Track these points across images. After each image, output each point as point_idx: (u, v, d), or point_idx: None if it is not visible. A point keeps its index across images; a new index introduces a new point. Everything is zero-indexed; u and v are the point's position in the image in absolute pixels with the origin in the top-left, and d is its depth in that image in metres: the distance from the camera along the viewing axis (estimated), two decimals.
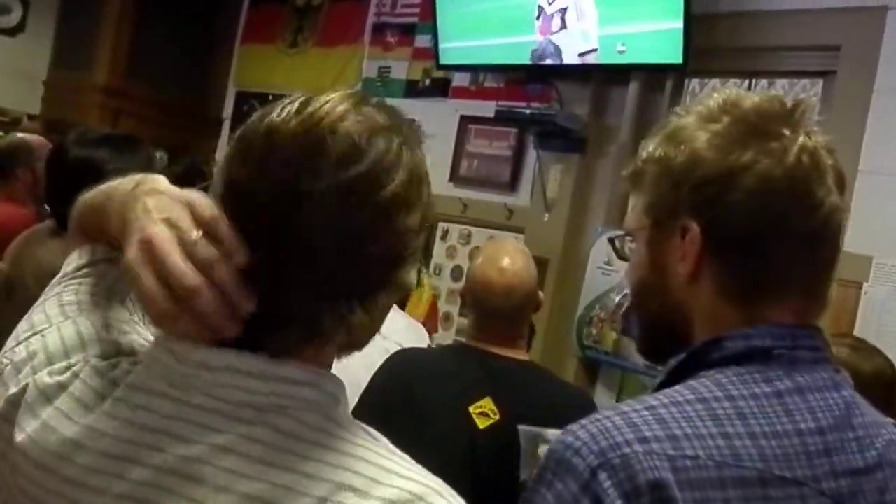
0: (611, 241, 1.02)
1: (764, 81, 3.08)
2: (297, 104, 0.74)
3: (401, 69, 4.17)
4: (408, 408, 1.76)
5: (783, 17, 2.91)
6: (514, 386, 1.85)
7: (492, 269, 1.93)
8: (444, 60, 3.75)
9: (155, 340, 0.77)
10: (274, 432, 0.71)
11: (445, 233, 3.84)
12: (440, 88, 3.98)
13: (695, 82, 3.30)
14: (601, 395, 3.24)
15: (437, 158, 3.87)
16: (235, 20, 5.07)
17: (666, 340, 0.89)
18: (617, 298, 3.09)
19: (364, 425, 0.77)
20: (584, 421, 0.77)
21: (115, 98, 4.63)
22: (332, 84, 4.45)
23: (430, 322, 3.62)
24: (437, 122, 3.94)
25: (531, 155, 3.56)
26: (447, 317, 3.77)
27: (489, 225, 3.68)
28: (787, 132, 0.83)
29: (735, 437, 0.77)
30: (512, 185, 3.65)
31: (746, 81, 3.14)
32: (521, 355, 1.96)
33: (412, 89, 4.11)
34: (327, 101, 0.74)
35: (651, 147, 0.89)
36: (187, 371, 0.73)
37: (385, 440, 0.76)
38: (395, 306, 0.90)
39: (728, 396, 0.79)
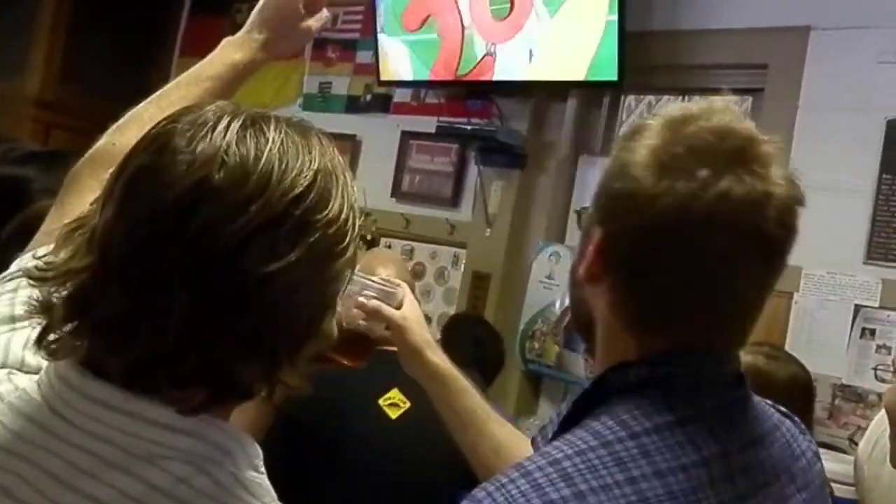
0: (577, 212, 1.01)
1: (697, 97, 3.17)
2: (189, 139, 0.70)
3: (342, 85, 4.17)
4: (319, 417, 1.78)
5: (713, 36, 2.99)
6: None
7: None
8: (384, 76, 3.76)
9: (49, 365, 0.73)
10: (142, 484, 0.67)
11: (388, 248, 3.84)
12: (381, 104, 3.99)
13: (631, 98, 3.38)
14: (545, 408, 3.28)
15: (379, 174, 3.89)
16: (175, 31, 5.02)
17: (583, 330, 0.91)
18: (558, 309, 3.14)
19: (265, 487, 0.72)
20: (490, 488, 0.75)
21: (47, 110, 4.50)
22: (271, 100, 4.42)
23: None
24: (379, 137, 3.96)
25: (472, 170, 3.59)
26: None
27: (431, 240, 3.69)
28: (710, 172, 0.79)
29: (641, 480, 0.76)
30: (454, 200, 3.67)
31: (680, 97, 3.23)
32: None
33: (353, 105, 4.11)
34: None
35: (616, 141, 0.89)
36: (70, 399, 0.70)
37: None
38: None
39: (631, 434, 0.78)
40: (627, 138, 0.85)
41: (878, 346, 2.54)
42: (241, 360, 0.69)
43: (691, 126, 0.81)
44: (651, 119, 0.85)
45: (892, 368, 1.44)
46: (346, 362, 1.32)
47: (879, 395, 2.36)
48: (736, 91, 3.03)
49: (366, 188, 3.92)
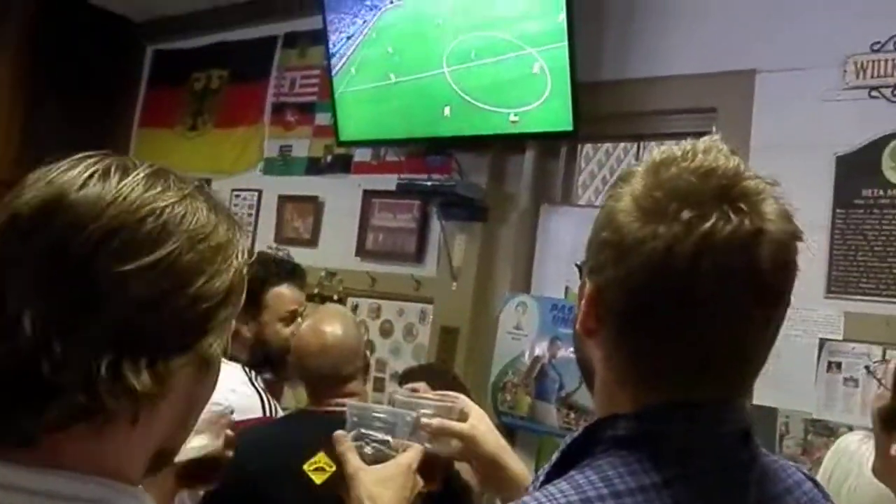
0: (577, 266, 0.97)
1: (652, 143, 3.23)
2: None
3: (302, 147, 4.20)
4: (247, 487, 1.75)
5: (662, 83, 3.06)
6: None
7: (307, 334, 2.01)
8: (343, 137, 3.79)
9: None
10: None
11: (355, 307, 3.82)
12: (342, 164, 4.02)
13: (588, 147, 3.43)
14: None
15: (343, 234, 3.89)
16: (133, 103, 5.03)
17: (589, 382, 0.88)
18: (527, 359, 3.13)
19: None
20: None
21: (4, 190, 4.46)
22: (232, 165, 4.44)
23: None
24: (341, 197, 3.98)
25: (435, 225, 3.61)
26: None
27: (398, 297, 3.69)
28: (693, 214, 0.76)
29: None
30: (418, 256, 3.68)
31: (635, 145, 3.29)
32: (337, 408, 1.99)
33: (314, 166, 4.13)
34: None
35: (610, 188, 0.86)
36: None
37: None
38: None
39: (613, 493, 0.74)
40: (614, 186, 0.83)
41: (846, 379, 2.56)
42: (99, 366, 0.67)
43: (673, 168, 0.79)
44: (638, 165, 0.83)
45: (879, 375, 1.41)
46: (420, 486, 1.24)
47: (850, 428, 2.37)
48: (688, 135, 3.09)
49: (330, 248, 3.97)
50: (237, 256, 0.77)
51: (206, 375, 0.76)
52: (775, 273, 0.77)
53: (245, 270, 0.78)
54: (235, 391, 2.05)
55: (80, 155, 0.75)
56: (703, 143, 0.81)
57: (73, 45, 4.74)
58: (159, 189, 0.73)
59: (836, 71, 2.70)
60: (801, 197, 2.88)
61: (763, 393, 2.65)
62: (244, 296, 0.79)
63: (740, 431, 0.81)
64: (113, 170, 0.73)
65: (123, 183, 0.72)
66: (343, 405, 1.63)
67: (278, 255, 3.17)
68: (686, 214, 0.75)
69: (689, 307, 0.76)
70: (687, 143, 0.82)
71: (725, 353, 0.78)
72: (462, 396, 1.35)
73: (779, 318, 0.81)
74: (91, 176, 0.72)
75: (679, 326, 0.77)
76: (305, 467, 1.79)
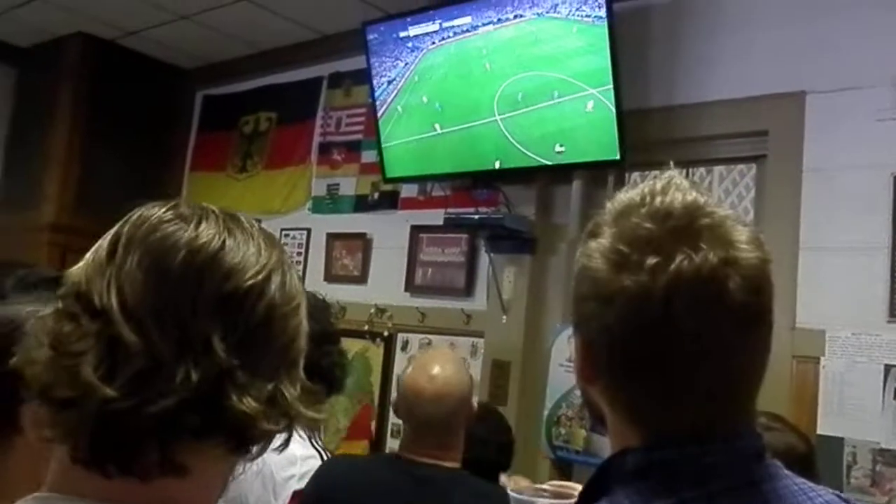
0: None
1: (702, 169, 3.19)
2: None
3: (349, 185, 4.24)
4: None
5: (711, 108, 3.03)
6: (438, 494, 1.84)
7: (422, 376, 1.94)
8: (390, 173, 3.82)
9: None
10: None
11: (405, 343, 3.82)
12: (390, 201, 4.04)
13: (635, 175, 3.40)
14: None
15: (392, 269, 3.90)
16: (184, 148, 5.15)
17: (600, 424, 0.91)
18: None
19: None
20: None
21: (62, 234, 4.59)
22: (281, 205, 4.50)
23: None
24: (389, 234, 4.00)
25: (483, 259, 3.60)
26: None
27: (448, 332, 3.67)
28: (657, 260, 0.79)
29: None
30: (467, 290, 3.67)
31: (684, 170, 3.25)
32: (449, 463, 1.94)
33: (362, 203, 4.16)
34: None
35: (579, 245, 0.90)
36: None
37: None
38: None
39: None
40: (584, 242, 0.87)
41: None
42: (273, 394, 0.74)
43: (632, 217, 0.82)
44: (602, 215, 0.87)
45: None
46: None
47: None
48: (739, 159, 3.06)
49: (379, 285, 3.98)
50: (299, 285, 0.85)
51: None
52: (750, 299, 0.80)
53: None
54: (297, 457, 1.99)
55: (183, 208, 0.81)
56: (660, 182, 0.84)
57: (127, 93, 4.89)
58: (268, 241, 0.82)
59: (888, 90, 2.64)
60: (859, 219, 2.82)
61: (828, 422, 2.57)
62: None
63: (752, 453, 0.83)
64: (238, 232, 0.79)
65: (258, 242, 0.79)
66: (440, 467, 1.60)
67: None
68: (651, 261, 0.78)
69: (672, 348, 0.79)
70: (645, 185, 0.85)
71: (719, 383, 0.81)
72: (576, 486, 1.33)
73: (765, 339, 0.84)
74: (221, 237, 0.77)
75: (667, 366, 0.80)
76: None
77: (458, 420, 1.96)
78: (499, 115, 3.33)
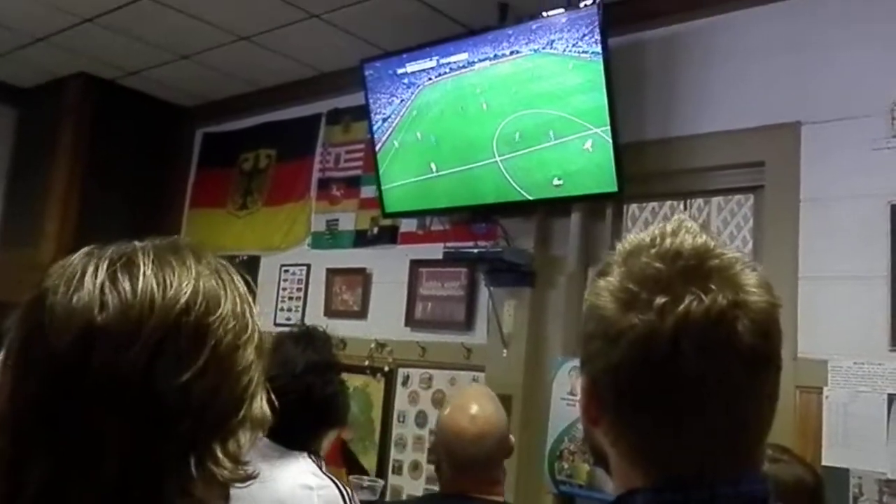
0: None
1: (700, 200, 3.21)
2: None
3: (348, 220, 4.25)
4: None
5: (707, 139, 3.05)
6: None
7: (462, 417, 1.93)
8: (389, 208, 3.83)
9: None
10: None
11: (406, 378, 3.81)
12: (389, 235, 4.05)
13: (634, 207, 3.41)
14: None
15: (391, 304, 3.90)
16: (184, 185, 5.17)
17: (603, 464, 0.90)
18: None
19: None
20: None
21: None
22: (281, 241, 4.51)
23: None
24: (389, 268, 4.00)
25: (483, 292, 3.60)
26: (415, 465, 3.68)
27: (449, 366, 3.66)
28: (665, 299, 0.79)
29: None
30: (468, 324, 3.66)
31: (682, 202, 3.26)
32: (497, 497, 1.94)
33: (361, 238, 4.17)
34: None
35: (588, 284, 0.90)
36: None
37: None
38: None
39: None
40: (594, 280, 0.87)
41: None
42: (176, 469, 0.71)
43: (642, 257, 0.83)
44: (613, 255, 0.87)
45: None
46: None
47: None
48: (737, 190, 3.08)
49: (379, 319, 3.97)
50: (252, 315, 0.80)
51: (261, 430, 0.81)
52: (759, 342, 0.80)
53: (260, 322, 0.81)
54: (312, 488, 1.98)
55: (74, 260, 0.77)
56: (671, 224, 0.85)
57: (127, 131, 4.93)
58: (174, 282, 0.75)
59: (884, 119, 2.66)
60: (857, 248, 2.82)
61: (833, 453, 2.55)
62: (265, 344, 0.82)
63: (759, 497, 0.82)
64: (119, 273, 0.74)
65: (139, 289, 0.73)
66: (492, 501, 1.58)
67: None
68: (660, 300, 0.79)
69: (678, 388, 0.79)
70: (656, 228, 0.86)
71: (726, 426, 0.80)
72: None
73: (773, 382, 0.83)
74: (102, 290, 0.73)
75: (673, 407, 0.80)
76: None
77: (499, 458, 1.97)
78: (498, 156, 3.34)
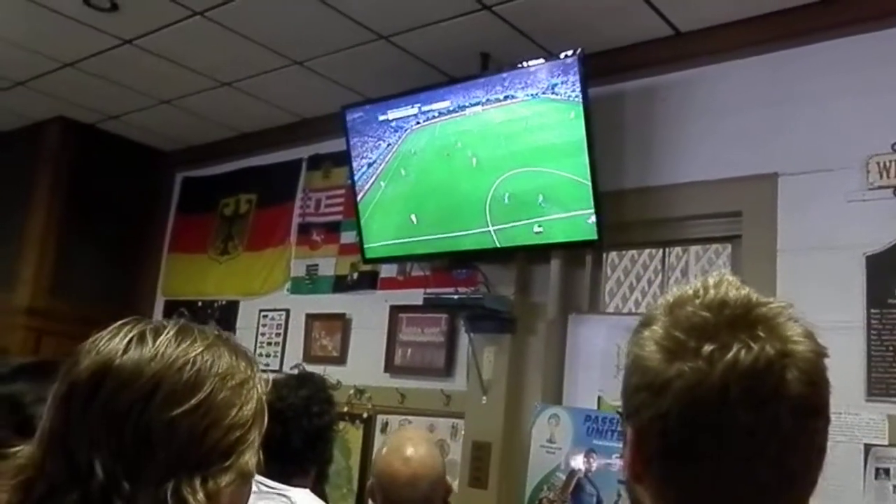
0: (617, 412, 0.98)
1: (678, 249, 3.23)
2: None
3: (328, 266, 4.24)
4: None
5: (685, 189, 3.09)
6: None
7: (396, 459, 1.93)
8: (369, 254, 3.83)
9: None
10: None
11: (385, 425, 3.77)
12: (369, 281, 4.04)
13: (613, 254, 3.44)
14: None
15: (371, 350, 3.88)
16: (163, 230, 5.14)
17: None
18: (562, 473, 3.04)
19: None
20: None
21: (38, 318, 4.54)
22: (261, 286, 4.49)
23: None
24: (368, 314, 3.99)
25: (463, 339, 3.59)
26: None
27: (428, 413, 3.63)
28: (713, 347, 0.79)
29: None
30: (447, 370, 3.64)
31: (661, 250, 3.29)
32: None
33: (341, 284, 4.16)
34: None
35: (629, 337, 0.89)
36: None
37: None
38: None
39: None
40: (636, 332, 0.86)
41: None
42: (165, 495, 0.82)
43: (688, 307, 0.83)
44: (655, 308, 0.87)
45: None
46: None
47: None
48: (714, 239, 3.11)
49: (359, 365, 3.94)
50: (258, 387, 0.93)
51: (246, 485, 0.91)
52: (807, 391, 0.79)
53: (265, 398, 0.94)
54: None
55: (119, 323, 0.92)
56: (712, 278, 0.85)
57: (105, 175, 4.91)
58: (188, 343, 0.89)
59: (859, 172, 2.71)
60: (833, 298, 2.83)
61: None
62: (267, 415, 0.95)
63: None
64: (148, 333, 0.89)
65: (158, 342, 0.88)
66: None
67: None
68: (707, 348, 0.78)
69: (727, 438, 0.77)
70: (698, 281, 0.86)
71: (775, 478, 0.79)
72: None
73: (821, 433, 0.82)
74: (130, 341, 0.88)
75: (722, 458, 0.78)
76: None
77: (435, 499, 1.95)
78: (492, 226, 3.35)
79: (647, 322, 0.86)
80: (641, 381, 0.82)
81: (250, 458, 0.89)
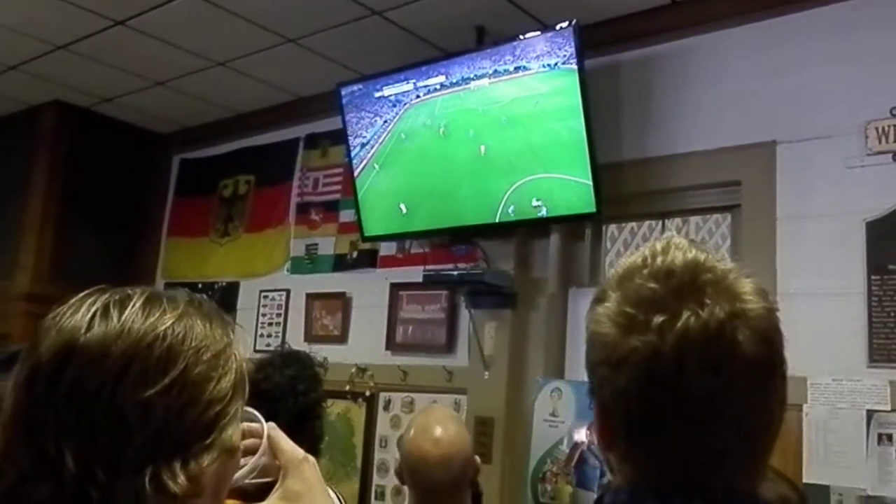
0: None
1: (678, 220, 3.22)
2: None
3: (328, 245, 4.23)
4: None
5: (683, 160, 3.07)
6: None
7: (426, 440, 1.87)
8: (368, 232, 3.82)
9: None
10: None
11: (388, 402, 3.78)
12: (368, 259, 4.03)
13: (612, 227, 3.42)
14: None
15: (372, 328, 3.88)
16: (161, 213, 5.13)
17: None
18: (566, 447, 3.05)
19: None
20: None
21: (38, 304, 4.53)
22: (262, 267, 4.48)
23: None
24: (369, 292, 3.98)
25: (464, 315, 3.59)
26: (398, 490, 3.65)
27: (431, 389, 3.64)
28: (663, 318, 0.79)
29: None
30: (448, 346, 3.64)
31: (660, 222, 3.28)
32: None
33: (340, 263, 4.15)
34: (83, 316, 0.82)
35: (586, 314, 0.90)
36: None
37: None
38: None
39: None
40: (591, 308, 0.87)
41: None
42: (143, 482, 0.76)
43: (635, 279, 0.83)
44: (607, 280, 0.87)
45: None
46: None
47: None
48: (714, 209, 3.10)
49: (360, 344, 3.95)
50: (235, 356, 0.87)
51: (232, 459, 0.86)
52: (762, 350, 0.80)
53: (244, 365, 0.88)
54: None
55: (81, 295, 0.85)
56: (660, 243, 0.85)
57: (102, 158, 4.89)
58: (157, 314, 0.82)
59: (858, 137, 2.69)
60: (834, 265, 2.83)
61: (813, 470, 2.56)
62: (247, 385, 0.88)
63: None
64: (112, 305, 0.83)
65: (125, 316, 0.81)
66: None
67: None
68: (658, 320, 0.79)
69: (686, 406, 0.79)
70: (646, 248, 0.86)
71: (735, 441, 0.80)
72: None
73: (778, 391, 0.83)
74: (94, 316, 0.81)
75: (683, 425, 0.79)
76: None
77: (465, 481, 1.91)
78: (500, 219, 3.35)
79: (600, 297, 0.87)
80: (600, 356, 0.83)
81: (233, 431, 0.84)
